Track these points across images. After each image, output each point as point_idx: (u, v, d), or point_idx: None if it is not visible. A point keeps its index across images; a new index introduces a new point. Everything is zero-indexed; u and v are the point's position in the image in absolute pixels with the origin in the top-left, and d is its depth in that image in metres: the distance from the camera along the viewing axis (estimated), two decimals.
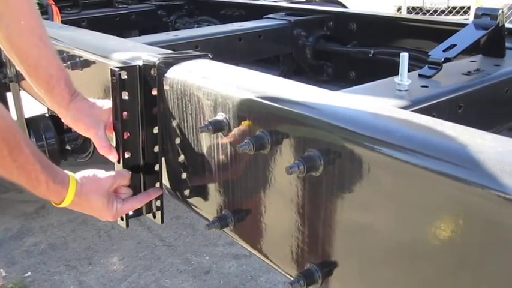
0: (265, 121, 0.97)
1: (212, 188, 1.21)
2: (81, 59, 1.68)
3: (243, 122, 1.03)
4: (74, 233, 3.25)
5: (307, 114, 0.87)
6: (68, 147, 2.94)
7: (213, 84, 1.11)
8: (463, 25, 1.78)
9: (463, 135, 0.73)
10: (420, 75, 1.26)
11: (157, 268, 2.86)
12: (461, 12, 8.21)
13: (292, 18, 2.41)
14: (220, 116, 1.07)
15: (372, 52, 2.20)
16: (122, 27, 3.26)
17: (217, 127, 1.06)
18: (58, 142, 2.91)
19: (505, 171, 0.63)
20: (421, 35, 2.05)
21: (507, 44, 1.52)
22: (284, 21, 2.39)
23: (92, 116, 1.29)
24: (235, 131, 1.06)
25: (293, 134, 0.91)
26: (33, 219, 3.42)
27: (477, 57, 1.44)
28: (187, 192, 1.32)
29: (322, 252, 0.94)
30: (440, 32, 1.92)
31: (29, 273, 2.86)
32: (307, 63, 2.46)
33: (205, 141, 1.19)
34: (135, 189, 1.34)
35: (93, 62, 1.60)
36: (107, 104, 1.30)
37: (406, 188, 0.74)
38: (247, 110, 1.01)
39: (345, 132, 0.82)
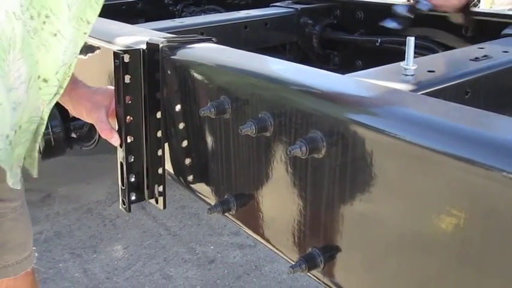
0: (268, 103, 0.95)
1: (215, 172, 1.20)
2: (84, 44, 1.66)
3: (245, 105, 1.02)
4: (79, 222, 3.25)
5: (310, 95, 0.86)
6: (73, 135, 2.93)
7: (216, 67, 1.10)
8: (475, 13, 1.76)
9: (470, 116, 0.72)
10: None
11: (161, 257, 2.85)
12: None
13: (299, 7, 2.39)
14: (222, 99, 1.06)
15: (379, 41, 2.18)
16: (128, 16, 3.24)
17: (220, 110, 1.05)
18: (64, 130, 2.90)
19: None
20: (429, 23, 2.03)
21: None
22: (291, 9, 2.37)
23: (94, 100, 1.28)
24: (237, 113, 1.04)
25: (296, 115, 0.89)
26: (38, 208, 3.43)
27: (485, 44, 1.42)
28: (190, 177, 1.31)
29: (324, 236, 0.93)
30: (448, 21, 1.89)
31: (34, 261, 2.86)
32: (314, 52, 2.44)
33: (208, 125, 1.17)
34: (138, 175, 1.33)
35: (96, 48, 1.58)
36: (109, 89, 1.29)
37: (412, 170, 0.73)
38: (249, 92, 1.00)
39: (348, 113, 0.80)
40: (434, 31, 1.98)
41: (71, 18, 1.10)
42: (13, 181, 1.15)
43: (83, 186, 3.60)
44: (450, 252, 0.71)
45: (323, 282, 0.95)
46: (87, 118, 1.29)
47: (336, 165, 0.85)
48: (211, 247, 2.93)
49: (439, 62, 1.26)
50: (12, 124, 1.05)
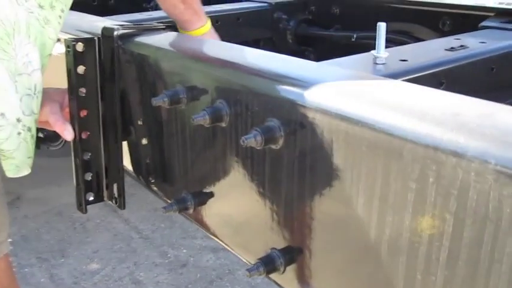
0: (222, 90, 0.87)
1: (172, 169, 1.11)
2: None
3: (200, 93, 0.93)
4: (48, 225, 3.14)
5: (265, 79, 0.77)
6: (40, 134, 2.82)
7: (170, 54, 1.02)
8: (452, 6, 1.70)
9: (440, 99, 0.64)
10: None
11: (132, 261, 2.75)
12: None
13: (272, 1, 2.30)
14: (177, 88, 0.97)
15: (355, 36, 2.10)
16: (99, 12, 3.14)
17: (174, 99, 0.96)
18: None
19: (484, 134, 0.54)
20: (407, 18, 1.96)
21: (492, 24, 1.44)
22: (264, 4, 2.28)
23: (45, 95, 1.19)
24: (193, 103, 0.96)
25: (252, 102, 0.81)
26: None
27: (462, 36, 1.35)
28: (148, 175, 1.22)
29: (284, 236, 0.84)
30: (427, 14, 1.83)
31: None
32: (289, 49, 2.36)
33: (165, 118, 1.09)
34: (98, 173, 1.24)
35: None
36: (63, 87, 1.21)
37: (378, 160, 0.65)
38: (204, 79, 0.92)
39: (307, 98, 0.72)
40: (411, 25, 1.92)
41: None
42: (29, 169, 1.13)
43: (53, 188, 3.48)
44: (422, 252, 0.63)
45: (284, 287, 0.87)
46: (40, 113, 1.19)
47: (295, 157, 0.76)
48: (184, 250, 2.83)
49: (412, 52, 1.19)
50: (29, 110, 1.05)
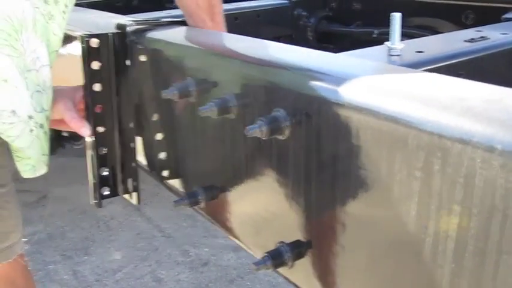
0: (231, 82, 0.86)
1: (184, 163, 1.11)
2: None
3: (210, 86, 0.92)
4: (72, 223, 3.17)
5: (271, 68, 0.76)
6: (64, 133, 2.86)
7: (182, 47, 1.01)
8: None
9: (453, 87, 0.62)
10: None
11: (154, 259, 2.76)
12: None
13: None
14: (188, 80, 0.96)
15: (376, 32, 2.07)
16: (123, 12, 3.17)
17: (184, 92, 0.95)
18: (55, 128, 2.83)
19: (493, 119, 0.51)
20: (429, 12, 1.92)
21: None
22: (284, 1, 2.27)
23: (58, 92, 1.19)
24: (203, 96, 0.95)
25: (259, 93, 0.80)
26: (33, 209, 3.35)
27: (483, 28, 1.31)
28: (162, 170, 1.22)
29: (292, 230, 0.83)
30: (450, 8, 1.79)
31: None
32: (309, 46, 2.33)
33: (178, 113, 1.08)
34: (113, 169, 1.25)
35: (69, 37, 1.49)
36: (74, 85, 1.22)
37: (391, 150, 0.62)
38: (213, 71, 0.90)
39: (314, 87, 0.71)
40: (433, 20, 1.88)
41: None
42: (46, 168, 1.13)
43: (78, 187, 3.52)
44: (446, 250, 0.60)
45: (293, 282, 0.85)
46: (53, 110, 1.19)
47: (301, 148, 0.75)
48: (206, 249, 2.83)
49: (430, 43, 1.16)
50: (39, 107, 1.04)
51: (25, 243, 1.38)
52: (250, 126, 0.73)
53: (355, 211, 0.71)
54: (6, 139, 1.01)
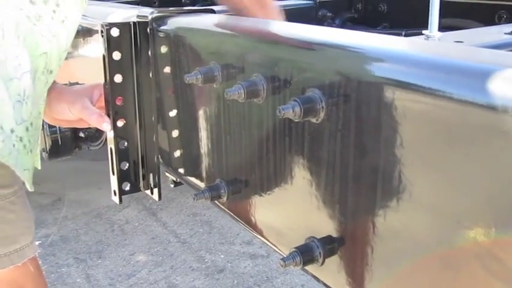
0: (259, 65, 0.80)
1: (205, 154, 1.05)
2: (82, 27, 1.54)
3: (236, 71, 0.86)
4: (87, 226, 3.13)
5: (306, 46, 0.70)
6: (81, 134, 2.82)
7: (204, 32, 0.96)
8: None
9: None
10: None
11: (168, 265, 2.70)
12: None
13: None
14: (212, 65, 0.91)
15: (404, 34, 2.00)
16: (141, 3, 3.15)
17: (208, 77, 0.90)
18: (71, 129, 2.80)
19: None
20: (461, 13, 1.85)
21: None
22: (309, 2, 2.22)
23: (75, 92, 1.14)
24: (228, 81, 0.89)
25: (291, 74, 0.74)
26: (48, 211, 3.32)
27: None
28: (180, 164, 1.16)
29: (325, 224, 0.76)
30: (482, 8, 1.72)
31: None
32: None
33: (197, 95, 1.03)
34: (134, 163, 1.19)
35: (88, 29, 1.45)
36: (89, 84, 1.17)
37: (447, 136, 0.55)
38: (239, 54, 0.85)
39: (352, 65, 0.64)
40: (464, 21, 1.81)
41: (77, 2, 1.05)
42: (29, 184, 1.05)
43: (94, 190, 3.48)
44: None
45: (322, 281, 0.78)
46: (72, 111, 1.12)
47: (337, 132, 0.68)
48: (222, 256, 2.76)
49: (469, 34, 1.09)
50: (20, 118, 0.96)
51: (38, 246, 1.29)
52: (283, 106, 0.67)
53: (399, 206, 0.64)
54: (1, 160, 0.93)
